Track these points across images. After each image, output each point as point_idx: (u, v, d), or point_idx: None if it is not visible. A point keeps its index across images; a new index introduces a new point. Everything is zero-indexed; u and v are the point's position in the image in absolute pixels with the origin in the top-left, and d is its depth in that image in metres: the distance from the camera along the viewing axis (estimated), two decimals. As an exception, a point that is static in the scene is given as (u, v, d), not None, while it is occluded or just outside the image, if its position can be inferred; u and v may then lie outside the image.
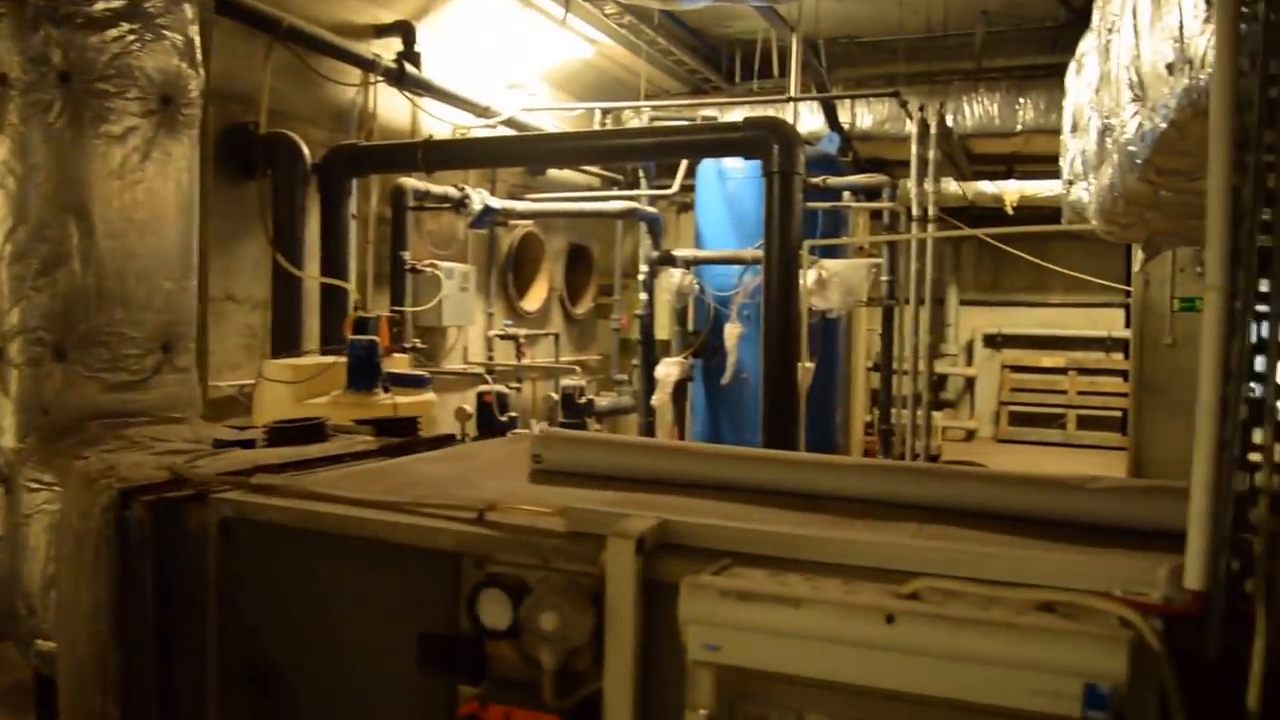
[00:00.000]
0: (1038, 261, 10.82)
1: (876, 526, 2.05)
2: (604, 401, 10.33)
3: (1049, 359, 15.43)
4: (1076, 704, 1.36)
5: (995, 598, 1.53)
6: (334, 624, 2.18)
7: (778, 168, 6.60)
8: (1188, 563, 1.45)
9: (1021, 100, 10.30)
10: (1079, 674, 1.36)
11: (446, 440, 3.36)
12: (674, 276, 9.31)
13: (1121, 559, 1.73)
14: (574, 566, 1.85)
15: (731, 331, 9.04)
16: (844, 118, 10.50)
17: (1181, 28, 2.35)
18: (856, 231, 9.92)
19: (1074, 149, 5.12)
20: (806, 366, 7.03)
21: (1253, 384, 1.45)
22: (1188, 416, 1.49)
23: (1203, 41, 2.17)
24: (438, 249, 9.07)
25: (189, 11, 3.37)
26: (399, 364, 6.27)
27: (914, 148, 9.23)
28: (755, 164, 6.85)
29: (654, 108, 10.43)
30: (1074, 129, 5.15)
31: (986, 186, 11.55)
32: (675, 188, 10.30)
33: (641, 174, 10.83)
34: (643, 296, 10.08)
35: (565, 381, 9.72)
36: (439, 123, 8.87)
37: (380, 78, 7.89)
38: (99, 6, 3.11)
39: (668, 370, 9.31)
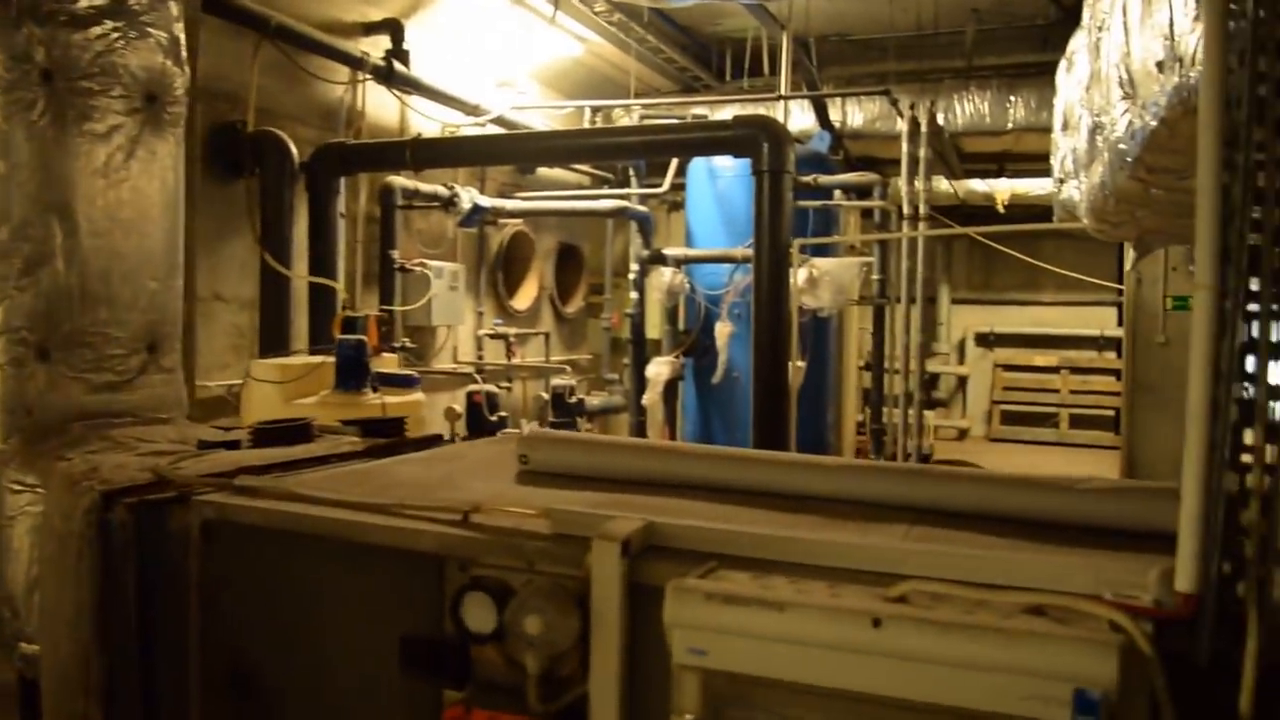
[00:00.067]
0: (1029, 260, 10.80)
1: (864, 528, 2.04)
2: (595, 401, 10.32)
3: (1041, 358, 15.44)
4: (1066, 709, 1.34)
5: (984, 601, 1.51)
6: (317, 627, 2.16)
7: (767, 166, 6.58)
8: (1178, 565, 1.44)
9: (1012, 98, 10.30)
10: (1069, 679, 1.34)
11: (433, 441, 3.34)
12: (664, 275, 9.29)
13: (1112, 561, 1.71)
14: (559, 569, 1.83)
15: (722, 330, 9.02)
16: (835, 116, 10.49)
17: (1172, 25, 2.34)
18: (847, 230, 9.91)
19: (1065, 147, 5.10)
20: (798, 365, 7.02)
21: (1244, 384, 1.44)
22: (1180, 415, 1.47)
23: (1193, 39, 2.16)
24: (427, 248, 9.04)
25: (174, 9, 3.33)
26: (388, 363, 6.25)
27: (905, 146, 9.23)
28: (746, 162, 6.83)
29: (644, 106, 10.40)
30: (1065, 127, 5.14)
31: (978, 185, 11.55)
32: (665, 186, 10.29)
33: (632, 172, 10.80)
34: (633, 295, 10.06)
35: (556, 381, 9.70)
36: (428, 121, 8.84)
37: (369, 76, 7.87)
38: (82, 4, 3.07)
39: (658, 369, 9.29)
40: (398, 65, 7.99)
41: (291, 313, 6.92)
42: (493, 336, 10.01)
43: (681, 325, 9.66)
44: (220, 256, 6.86)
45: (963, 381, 16.04)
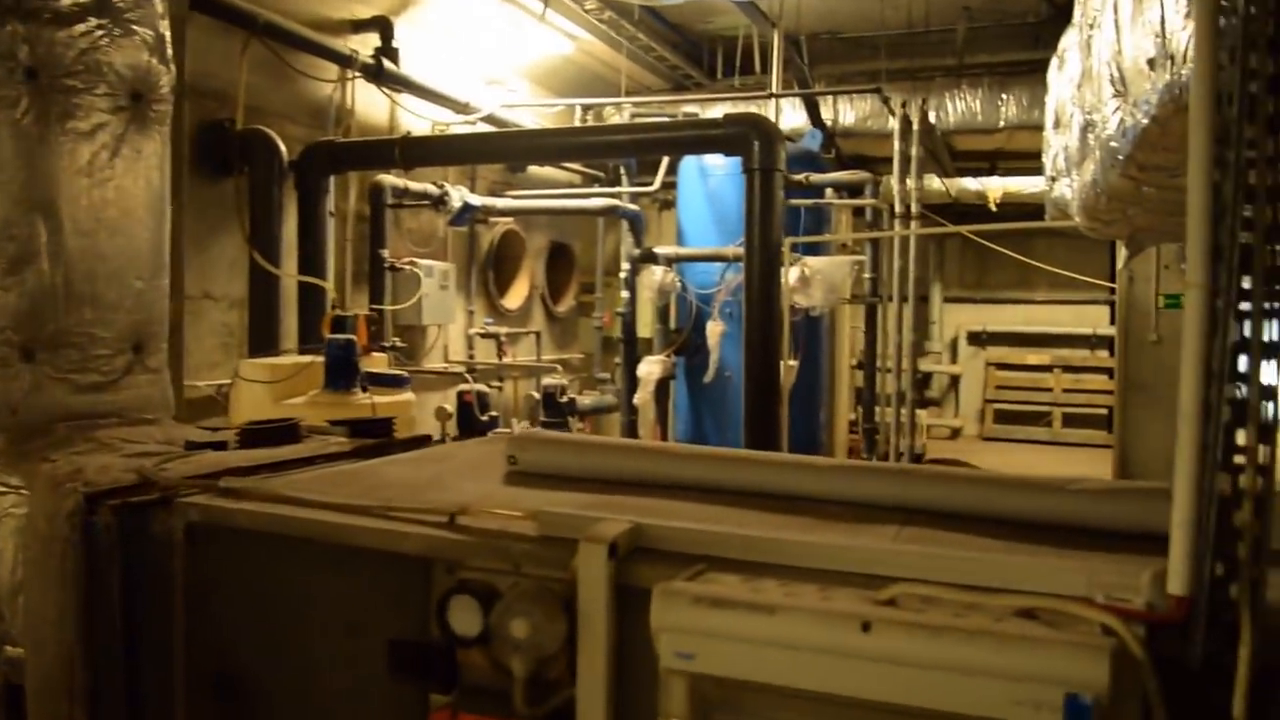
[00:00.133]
0: (1022, 258, 10.83)
1: (855, 529, 2.02)
2: (586, 400, 10.30)
3: (1034, 356, 15.47)
4: (1058, 714, 1.32)
5: (975, 604, 1.50)
6: (304, 630, 2.14)
7: (758, 164, 6.56)
8: (1171, 568, 1.42)
9: (1004, 96, 10.30)
10: (1060, 683, 1.33)
11: (422, 441, 3.32)
12: (656, 274, 9.28)
13: (1104, 563, 1.70)
14: (546, 572, 1.81)
15: (714, 329, 9.01)
16: (826, 114, 10.48)
17: (1163, 23, 2.33)
18: (839, 229, 9.90)
19: (1056, 145, 5.10)
20: (790, 364, 7.01)
21: (1236, 384, 1.42)
22: (1173, 414, 1.45)
23: (1184, 36, 2.15)
24: (417, 247, 9.01)
25: (159, 6, 3.30)
26: (378, 363, 6.23)
27: (896, 144, 9.22)
28: (737, 161, 6.82)
29: (635, 104, 10.39)
30: (1056, 125, 5.13)
31: (970, 183, 11.56)
32: (657, 185, 10.27)
33: (623, 171, 10.79)
34: (624, 294, 10.04)
35: (547, 380, 9.68)
36: (418, 119, 8.81)
37: (358, 74, 7.84)
38: (67, 1, 3.04)
39: (650, 369, 9.27)
40: (387, 63, 7.96)
41: (281, 312, 6.90)
42: (483, 336, 9.99)
43: (673, 324, 9.65)
44: (209, 255, 6.83)
45: (955, 380, 16.06)
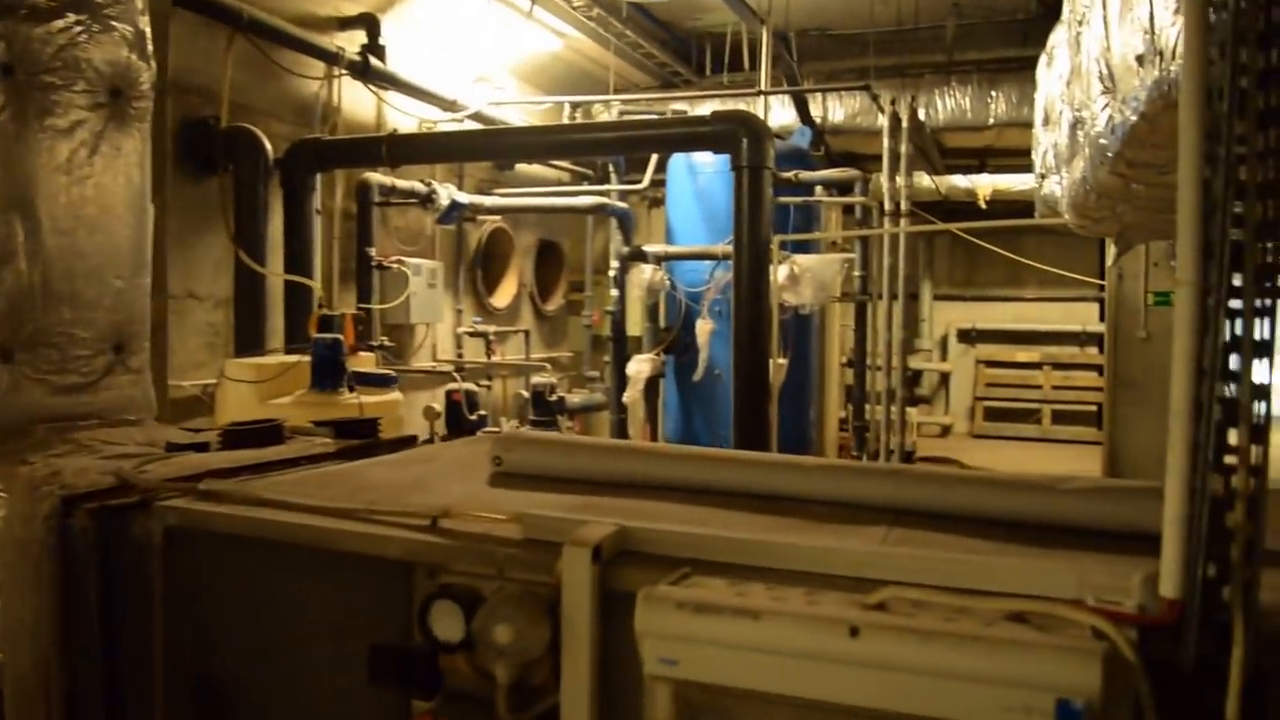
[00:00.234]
0: (1011, 256, 10.83)
1: (843, 530, 2.00)
2: (575, 399, 10.27)
3: (1024, 354, 15.50)
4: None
5: (965, 608, 1.47)
6: (284, 635, 2.11)
7: (747, 162, 6.54)
8: (1162, 570, 1.40)
9: (993, 93, 10.31)
10: (1051, 689, 1.30)
11: (408, 442, 3.29)
12: (645, 272, 9.26)
13: (1095, 564, 1.68)
14: (529, 576, 1.78)
15: (703, 328, 8.99)
16: (815, 111, 10.47)
17: (1152, 19, 2.31)
18: (829, 226, 9.90)
19: (1046, 142, 5.09)
20: (779, 363, 7.00)
21: (1227, 383, 1.40)
22: (1162, 410, 1.43)
23: (1173, 33, 2.13)
24: (405, 245, 8.97)
25: (139, 2, 3.27)
26: (365, 362, 6.19)
27: (886, 141, 9.22)
28: (726, 158, 6.79)
29: (624, 101, 10.36)
30: (1046, 122, 5.13)
31: (959, 180, 11.55)
32: (645, 183, 10.25)
33: (612, 169, 10.77)
34: (614, 292, 10.02)
35: (536, 379, 9.66)
36: (405, 117, 8.77)
37: (344, 71, 7.80)
38: (44, -4, 3.01)
39: (639, 367, 9.25)
40: (374, 60, 7.92)
41: (267, 311, 6.86)
42: (472, 334, 9.95)
43: (662, 322, 9.63)
44: (194, 254, 6.78)
45: (945, 378, 16.08)
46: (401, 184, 8.34)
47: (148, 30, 3.29)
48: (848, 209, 10.19)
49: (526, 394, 9.59)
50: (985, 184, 11.43)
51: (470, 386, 8.76)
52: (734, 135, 6.60)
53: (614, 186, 10.57)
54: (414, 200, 8.56)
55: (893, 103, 9.34)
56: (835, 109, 10.71)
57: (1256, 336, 1.39)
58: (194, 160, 6.68)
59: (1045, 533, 1.96)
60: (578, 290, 11.76)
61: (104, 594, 2.32)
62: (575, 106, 10.40)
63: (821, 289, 8.39)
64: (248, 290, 6.81)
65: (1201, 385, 1.41)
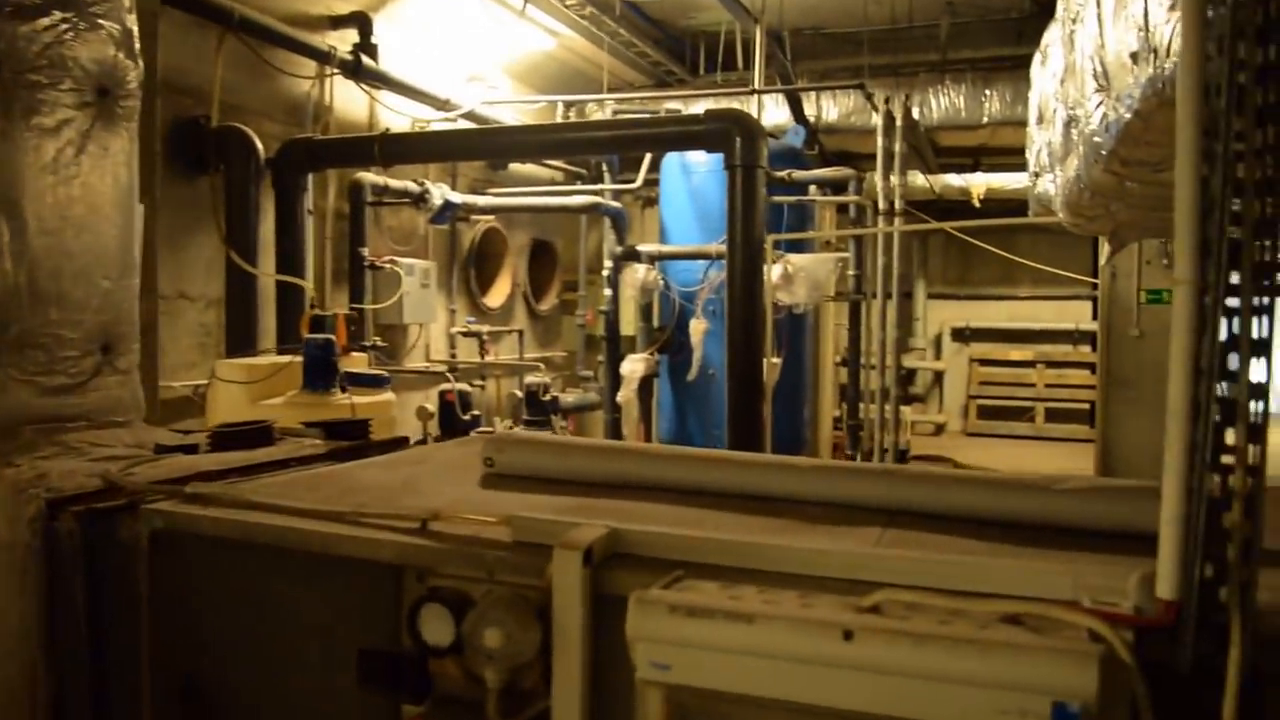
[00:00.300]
0: (1005, 254, 10.83)
1: (837, 532, 1.98)
2: (569, 398, 10.25)
3: (1017, 352, 15.51)
4: (1044, 723, 1.29)
5: (959, 610, 1.45)
6: (273, 639, 2.08)
7: (740, 161, 6.52)
8: (1159, 571, 1.39)
9: (987, 92, 10.30)
10: (1047, 692, 1.29)
11: (399, 443, 3.26)
12: (639, 272, 9.23)
13: (1090, 564, 1.66)
14: (519, 579, 1.76)
15: (697, 327, 8.97)
16: (809, 110, 10.46)
17: (1146, 16, 2.30)
18: (823, 225, 9.88)
19: (1040, 141, 5.08)
20: (773, 362, 6.98)
21: (1224, 382, 1.39)
22: (1155, 408, 1.42)
23: (1167, 30, 2.12)
24: (398, 245, 8.94)
25: (126, 0, 3.24)
26: (357, 363, 6.17)
27: (880, 140, 9.21)
28: (719, 157, 6.77)
29: (617, 100, 10.34)
30: (1040, 121, 5.12)
31: (953, 179, 11.55)
32: (639, 182, 10.24)
33: (605, 168, 10.74)
34: (607, 292, 10.00)
35: (529, 379, 9.64)
36: (397, 116, 8.74)
37: (336, 70, 7.77)
38: (30, -5, 2.98)
39: (633, 367, 9.23)
40: (366, 59, 7.89)
41: (259, 311, 6.82)
42: (465, 334, 9.93)
43: (656, 322, 9.61)
44: (185, 254, 6.75)
45: (939, 376, 16.08)
46: (394, 183, 8.31)
47: (135, 29, 3.26)
48: (842, 208, 10.17)
49: (520, 394, 9.57)
50: (979, 183, 11.43)
51: (464, 387, 8.74)
52: (727, 134, 6.58)
53: (608, 186, 10.55)
54: (407, 200, 8.52)
55: (886, 101, 9.33)
56: (829, 108, 10.70)
57: (1254, 335, 1.37)
58: (185, 160, 6.65)
59: (1040, 533, 1.94)
60: (571, 290, 11.74)
61: (90, 597, 2.30)
62: (569, 105, 10.37)
63: (815, 288, 8.38)
64: (239, 291, 6.77)
65: (1199, 384, 1.39)
